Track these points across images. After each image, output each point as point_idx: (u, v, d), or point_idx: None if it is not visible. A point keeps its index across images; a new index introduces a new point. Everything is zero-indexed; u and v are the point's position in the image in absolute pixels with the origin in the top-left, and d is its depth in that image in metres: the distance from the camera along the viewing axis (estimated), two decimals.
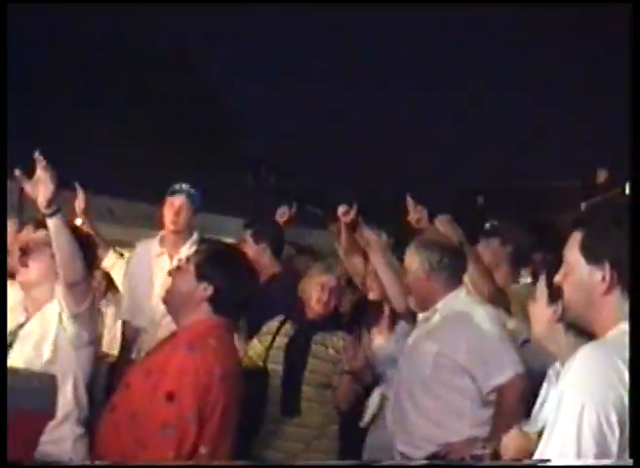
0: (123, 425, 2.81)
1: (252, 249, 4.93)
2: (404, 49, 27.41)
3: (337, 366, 4.19)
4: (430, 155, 22.72)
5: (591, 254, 2.01)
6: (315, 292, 4.29)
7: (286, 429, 4.14)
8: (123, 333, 4.79)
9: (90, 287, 3.34)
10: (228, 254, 3.16)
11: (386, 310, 4.36)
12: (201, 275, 2.97)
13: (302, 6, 21.09)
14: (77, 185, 4.91)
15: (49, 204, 3.06)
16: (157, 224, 4.98)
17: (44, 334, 3.29)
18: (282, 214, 5.64)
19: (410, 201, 4.29)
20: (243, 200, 11.58)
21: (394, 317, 4.33)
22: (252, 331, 4.43)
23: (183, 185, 4.87)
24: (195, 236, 4.80)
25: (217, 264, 3.01)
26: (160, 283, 4.38)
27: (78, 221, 4.89)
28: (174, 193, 4.83)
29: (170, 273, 3.06)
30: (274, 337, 4.34)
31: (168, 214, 4.78)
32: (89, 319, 3.30)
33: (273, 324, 4.40)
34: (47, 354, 3.25)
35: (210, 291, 2.95)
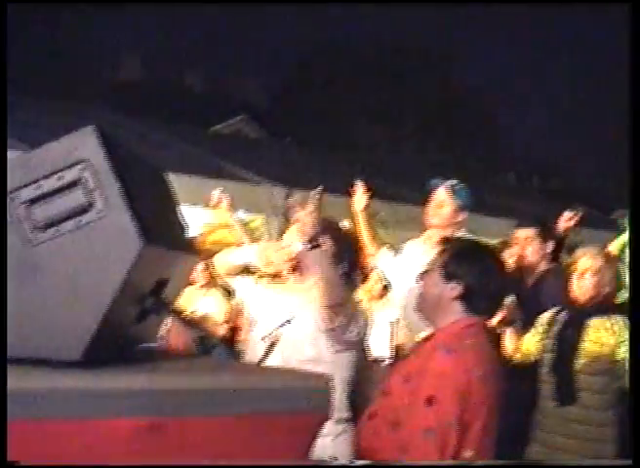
0: (384, 432, 2.81)
1: (535, 245, 4.96)
2: None
3: (613, 350, 4.21)
4: None
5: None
6: (585, 278, 4.36)
7: (556, 422, 4.19)
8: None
9: (347, 306, 3.41)
10: (474, 251, 3.08)
11: None
12: (448, 274, 2.92)
13: None
14: (358, 183, 5.02)
15: (310, 239, 3.20)
16: (422, 227, 5.03)
17: (305, 336, 3.41)
18: (568, 218, 5.51)
19: None
20: (507, 201, 11.44)
21: None
22: (525, 327, 4.55)
23: (448, 181, 4.87)
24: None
25: (463, 262, 2.94)
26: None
27: (345, 223, 5.01)
28: (436, 186, 4.83)
29: (419, 277, 3.05)
30: (548, 328, 4.44)
31: (430, 209, 4.80)
32: (344, 329, 3.38)
33: (546, 315, 4.50)
34: (310, 354, 3.36)
35: (459, 289, 2.90)
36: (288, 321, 3.50)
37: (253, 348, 3.55)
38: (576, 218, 5.48)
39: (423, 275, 3.03)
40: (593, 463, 1.81)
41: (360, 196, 4.97)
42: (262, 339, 3.49)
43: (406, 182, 10.08)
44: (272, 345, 3.47)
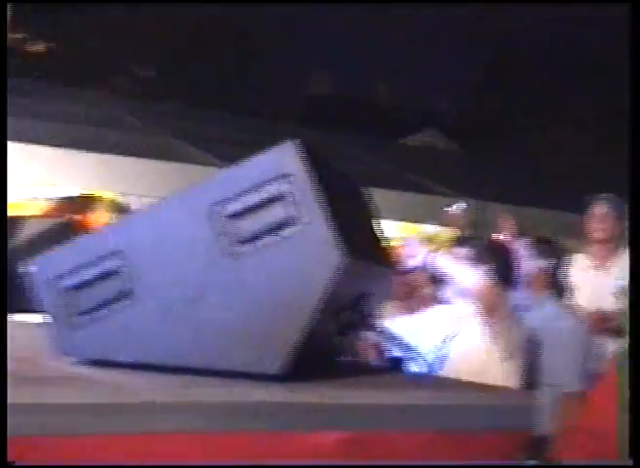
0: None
1: None
2: None
3: None
4: None
5: None
6: None
7: None
8: None
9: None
10: None
11: None
12: None
13: None
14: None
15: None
16: (581, 236, 5.01)
17: (472, 348, 3.36)
18: None
19: None
20: None
21: None
22: None
23: (606, 193, 4.91)
24: (627, 248, 4.67)
25: None
26: (587, 297, 4.35)
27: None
28: (596, 201, 4.85)
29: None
30: None
31: (591, 223, 4.81)
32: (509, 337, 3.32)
33: None
34: (477, 366, 3.30)
35: None
36: (453, 335, 3.44)
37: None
38: None
39: None
40: (593, 463, 1.84)
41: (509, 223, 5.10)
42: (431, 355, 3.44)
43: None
44: (442, 359, 3.42)
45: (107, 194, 8.97)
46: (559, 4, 21.78)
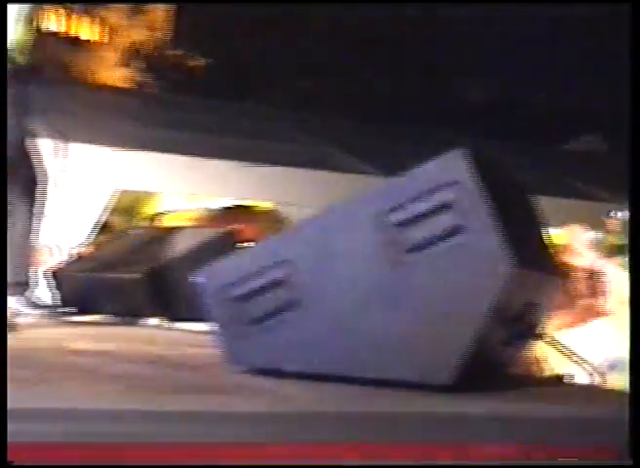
0: None
1: None
2: None
3: None
4: None
5: None
6: None
7: None
8: None
9: None
10: None
11: None
12: None
13: None
14: None
15: None
16: None
17: None
18: None
19: None
20: None
21: None
22: None
23: None
24: None
25: None
26: None
27: None
28: None
29: None
30: None
31: None
32: None
33: None
34: None
35: None
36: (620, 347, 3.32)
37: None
38: None
39: None
40: (593, 463, 1.75)
41: None
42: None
43: None
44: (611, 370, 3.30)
45: (265, 204, 9.13)
46: None
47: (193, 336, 3.88)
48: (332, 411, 1.94)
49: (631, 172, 2.17)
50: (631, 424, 1.85)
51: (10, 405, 1.62)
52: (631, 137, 2.25)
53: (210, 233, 4.68)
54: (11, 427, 1.55)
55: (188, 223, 8.45)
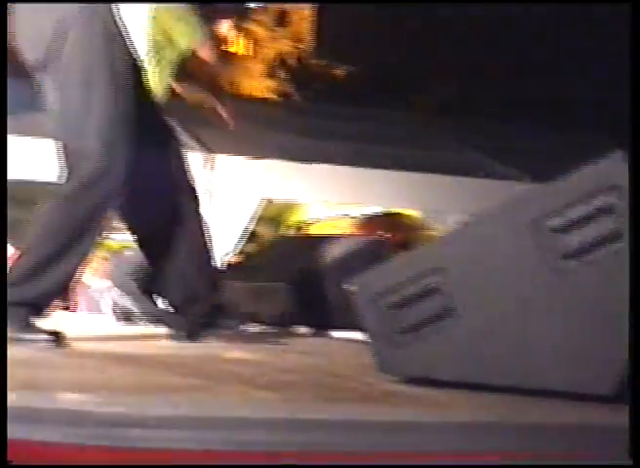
0: None
1: None
2: None
3: None
4: None
5: None
6: None
7: None
8: None
9: None
10: None
11: None
12: None
13: None
14: None
15: None
16: None
17: None
18: None
19: None
20: None
21: None
22: None
23: None
24: None
25: None
26: None
27: None
28: None
29: None
30: None
31: None
32: None
33: None
34: None
35: None
36: None
37: None
38: None
39: None
40: (593, 463, 1.59)
41: None
42: None
43: None
44: None
45: (411, 212, 9.10)
46: None
47: (344, 344, 3.90)
48: (493, 421, 1.90)
49: (632, 171, 2.06)
50: (631, 424, 1.76)
51: (169, 411, 1.65)
52: (632, 137, 2.15)
53: (359, 241, 4.70)
54: (168, 434, 1.57)
55: (335, 231, 8.51)
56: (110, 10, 3.12)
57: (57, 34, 3.04)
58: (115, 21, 3.13)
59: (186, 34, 3.27)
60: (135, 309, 4.12)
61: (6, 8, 3.02)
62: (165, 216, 3.37)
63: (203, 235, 3.47)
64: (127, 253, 4.70)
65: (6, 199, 3.02)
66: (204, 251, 3.48)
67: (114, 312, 4.26)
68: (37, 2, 3.15)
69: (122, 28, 3.14)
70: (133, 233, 3.51)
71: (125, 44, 3.15)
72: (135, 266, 4.31)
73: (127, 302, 4.16)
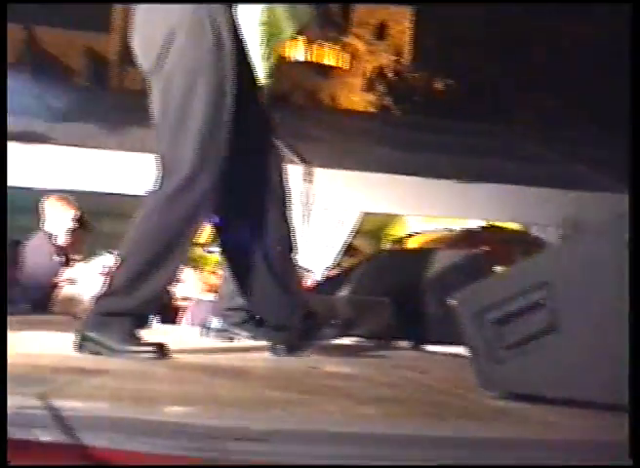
0: None
1: None
2: None
3: None
4: None
5: None
6: None
7: None
8: None
9: None
10: None
11: None
12: None
13: None
14: None
15: None
16: None
17: None
18: None
19: None
20: None
21: None
22: None
23: None
24: None
25: None
26: None
27: None
28: None
29: None
30: None
31: None
32: None
33: None
34: None
35: None
36: None
37: None
38: None
39: None
40: (593, 463, 1.48)
41: None
42: None
43: None
44: None
45: (511, 225, 8.98)
46: None
47: (442, 359, 3.86)
48: (596, 440, 1.84)
49: (632, 170, 1.97)
50: (631, 424, 1.68)
51: (272, 425, 1.65)
52: (632, 137, 2.06)
53: (459, 255, 4.65)
54: (270, 448, 1.57)
55: (434, 245, 8.45)
56: (225, 11, 3.11)
57: (165, 42, 3.05)
58: (228, 24, 3.12)
59: (295, 16, 3.28)
60: (235, 330, 4.13)
61: (6, 8, 2.93)
62: (253, 231, 3.33)
63: (291, 248, 3.43)
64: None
65: (6, 198, 3.04)
66: (290, 264, 3.44)
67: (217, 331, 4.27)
68: (41, 2, 3.12)
69: (235, 30, 3.14)
70: (222, 247, 3.48)
71: (235, 47, 3.14)
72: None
73: (227, 325, 4.18)
